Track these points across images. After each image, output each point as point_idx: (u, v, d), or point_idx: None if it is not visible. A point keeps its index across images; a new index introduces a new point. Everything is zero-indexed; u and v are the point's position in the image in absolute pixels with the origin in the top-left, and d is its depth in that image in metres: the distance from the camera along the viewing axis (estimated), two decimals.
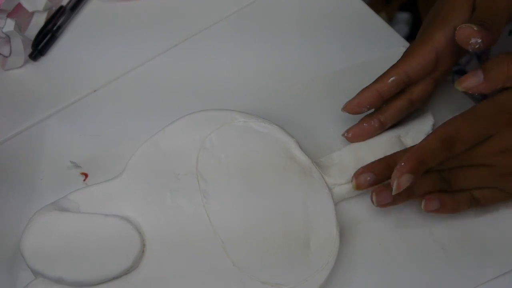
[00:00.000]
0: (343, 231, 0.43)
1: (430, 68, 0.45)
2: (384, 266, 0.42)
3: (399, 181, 0.38)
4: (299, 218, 0.41)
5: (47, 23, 0.55)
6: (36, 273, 0.39)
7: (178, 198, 0.42)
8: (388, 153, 0.44)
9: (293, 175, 0.43)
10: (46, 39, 0.54)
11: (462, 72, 0.68)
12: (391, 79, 0.44)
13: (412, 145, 0.45)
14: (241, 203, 0.42)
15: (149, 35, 0.55)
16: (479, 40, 0.40)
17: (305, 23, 0.56)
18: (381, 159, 0.43)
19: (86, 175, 0.46)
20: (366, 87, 0.45)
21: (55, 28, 0.55)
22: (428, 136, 0.40)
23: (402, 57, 0.45)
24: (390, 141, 0.46)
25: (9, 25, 0.50)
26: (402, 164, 0.39)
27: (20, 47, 0.52)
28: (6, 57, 0.52)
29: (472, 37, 0.40)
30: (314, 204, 0.42)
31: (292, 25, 0.56)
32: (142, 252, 0.39)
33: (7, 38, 0.51)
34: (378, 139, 0.46)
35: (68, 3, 0.56)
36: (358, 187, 0.42)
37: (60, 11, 0.55)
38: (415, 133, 0.46)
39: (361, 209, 0.45)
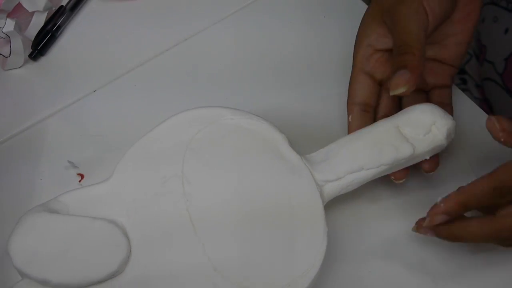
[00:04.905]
0: (332, 232, 0.40)
1: None
2: None
3: (432, 219, 0.38)
4: (285, 219, 0.40)
5: (47, 23, 0.55)
6: (22, 274, 0.38)
7: (163, 202, 0.40)
8: (386, 145, 0.41)
9: (280, 174, 0.42)
10: (46, 39, 0.54)
11: (461, 72, 0.68)
12: None
13: (412, 136, 0.42)
14: (225, 206, 0.40)
15: (149, 35, 0.55)
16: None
17: (305, 23, 0.56)
18: (456, 196, 0.39)
19: (82, 176, 0.46)
20: None
21: (55, 28, 0.55)
22: (482, 179, 0.38)
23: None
24: (387, 131, 0.42)
25: (9, 25, 0.51)
26: (441, 205, 0.38)
27: (20, 47, 0.52)
28: (6, 57, 0.52)
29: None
30: (301, 203, 0.40)
31: (292, 25, 0.56)
32: (128, 257, 0.39)
33: (7, 38, 0.51)
34: (372, 131, 0.43)
35: (68, 3, 0.56)
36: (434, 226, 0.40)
37: (60, 11, 0.55)
38: (415, 123, 0.42)
39: (352, 212, 0.44)
